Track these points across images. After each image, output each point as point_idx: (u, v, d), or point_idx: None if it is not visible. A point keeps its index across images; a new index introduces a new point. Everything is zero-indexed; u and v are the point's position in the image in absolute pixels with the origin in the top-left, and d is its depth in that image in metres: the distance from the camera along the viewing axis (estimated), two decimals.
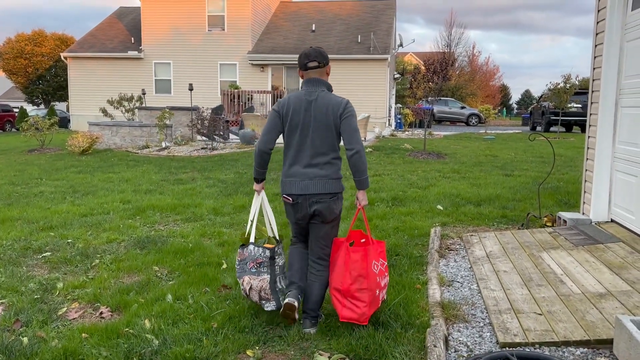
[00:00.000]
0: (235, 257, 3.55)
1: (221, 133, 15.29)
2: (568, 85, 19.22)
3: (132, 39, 25.64)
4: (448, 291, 3.73)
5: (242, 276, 3.32)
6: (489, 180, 8.63)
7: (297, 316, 3.11)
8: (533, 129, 26.73)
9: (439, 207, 6.46)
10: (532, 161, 11.68)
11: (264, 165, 3.31)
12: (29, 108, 41.26)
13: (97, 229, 5.95)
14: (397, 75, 30.02)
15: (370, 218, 5.96)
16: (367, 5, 27.48)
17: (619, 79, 4.83)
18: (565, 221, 5.15)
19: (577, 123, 23.54)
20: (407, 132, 20.96)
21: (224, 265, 4.52)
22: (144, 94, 19.04)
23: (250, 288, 3.25)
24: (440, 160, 11.88)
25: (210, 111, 15.31)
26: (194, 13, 24.22)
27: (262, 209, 3.49)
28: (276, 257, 3.28)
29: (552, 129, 24.15)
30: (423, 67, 12.44)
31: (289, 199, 3.18)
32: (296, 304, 3.09)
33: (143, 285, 4.21)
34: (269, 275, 3.25)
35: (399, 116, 24.61)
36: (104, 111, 19.09)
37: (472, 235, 5.11)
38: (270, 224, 3.51)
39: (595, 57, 5.10)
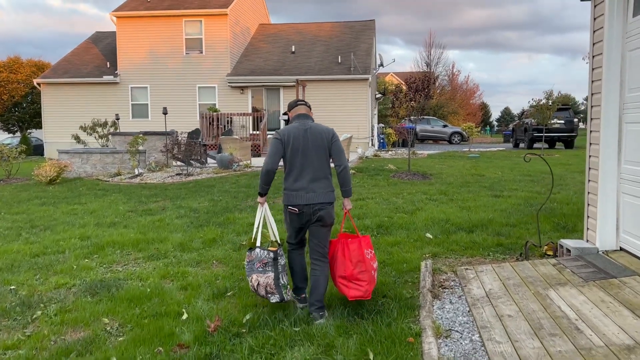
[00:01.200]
0: (245, 259, 4.12)
1: (198, 158, 14.68)
2: (550, 101, 19.06)
3: (108, 63, 25.04)
4: (446, 344, 3.15)
5: (250, 274, 3.94)
6: (479, 203, 8.13)
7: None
8: (516, 145, 26.59)
9: (429, 235, 5.92)
10: (520, 180, 11.26)
11: (270, 182, 3.94)
12: (3, 136, 40.19)
13: (46, 272, 5.28)
14: (378, 95, 29.80)
15: None
16: (346, 26, 27.35)
17: (621, 92, 4.38)
18: (568, 250, 4.64)
19: (560, 139, 23.42)
20: (390, 152, 20.55)
21: (184, 316, 3.90)
22: (117, 119, 18.37)
23: (258, 284, 3.89)
24: (425, 181, 11.40)
25: (186, 135, 14.71)
26: (171, 36, 23.77)
27: (265, 218, 4.10)
28: (279, 258, 3.92)
29: (535, 145, 24.00)
30: (404, 86, 12.03)
31: (295, 210, 3.85)
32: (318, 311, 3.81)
33: (88, 343, 3.58)
34: (273, 273, 3.87)
35: (382, 136, 24.26)
36: (77, 138, 18.35)
37: (467, 269, 4.56)
38: (273, 230, 4.13)
39: (593, 69, 4.66)
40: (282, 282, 3.90)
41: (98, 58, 26.07)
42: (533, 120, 22.68)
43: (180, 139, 14.07)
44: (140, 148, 13.77)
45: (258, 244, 4.00)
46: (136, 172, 13.43)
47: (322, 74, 22.94)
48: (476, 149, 23.11)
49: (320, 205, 3.83)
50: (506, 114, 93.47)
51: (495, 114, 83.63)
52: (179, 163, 14.09)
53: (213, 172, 13.58)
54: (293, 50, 24.98)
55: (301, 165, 3.83)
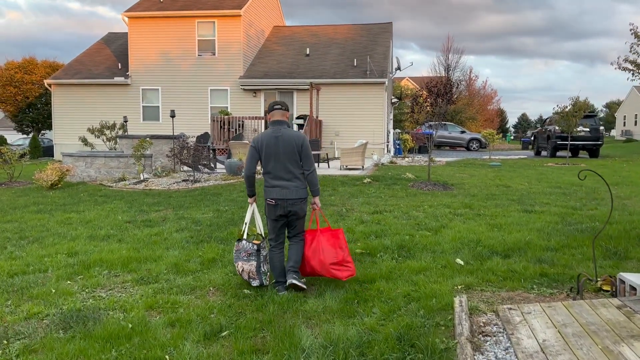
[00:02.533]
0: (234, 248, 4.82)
1: (206, 163, 14.04)
2: (576, 108, 18.12)
3: (119, 64, 24.62)
4: None
5: (237, 261, 4.65)
6: (510, 220, 7.33)
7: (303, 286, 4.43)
8: (537, 153, 25.61)
9: (459, 261, 5.14)
10: (550, 193, 10.41)
11: (252, 184, 4.67)
12: (15, 137, 40.13)
13: (21, 296, 4.62)
14: (394, 100, 29.00)
15: (373, 279, 4.65)
16: (363, 28, 26.65)
17: None
18: (633, 288, 3.85)
19: (585, 148, 22.41)
20: (407, 159, 19.76)
21: None
22: (125, 121, 17.85)
23: (243, 270, 4.62)
24: (447, 192, 10.61)
25: (194, 139, 14.08)
26: (184, 37, 23.26)
27: (254, 215, 4.84)
28: (261, 249, 4.62)
29: (558, 154, 23.03)
30: (424, 91, 11.27)
31: (272, 202, 4.51)
32: (295, 279, 4.42)
33: None
34: (255, 262, 4.57)
35: (397, 141, 23.46)
36: (84, 140, 17.87)
37: (511, 308, 3.79)
38: (258, 225, 4.90)
39: None
40: (263, 270, 4.63)
41: (110, 59, 25.68)
42: (557, 128, 21.74)
43: (188, 143, 13.45)
44: (147, 152, 13.17)
45: (245, 236, 4.76)
46: (141, 178, 12.83)
47: (337, 77, 22.24)
48: (497, 157, 22.19)
49: (293, 200, 4.50)
50: (523, 120, 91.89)
51: (511, 120, 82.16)
52: (186, 168, 13.47)
53: (221, 178, 12.92)
54: (307, 52, 24.33)
55: (274, 168, 4.48)
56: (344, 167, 14.97)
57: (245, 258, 4.61)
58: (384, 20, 26.91)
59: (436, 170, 15.20)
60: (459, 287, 4.42)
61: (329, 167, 15.70)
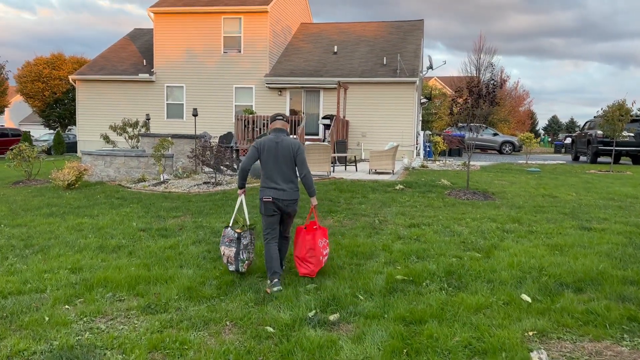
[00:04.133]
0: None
1: (229, 164, 13.40)
2: (623, 112, 16.91)
3: (144, 61, 24.26)
4: None
5: (222, 246, 5.15)
6: (569, 240, 6.43)
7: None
8: (576, 159, 24.32)
9: (525, 296, 4.30)
10: (604, 206, 9.42)
11: (244, 178, 5.19)
12: (41, 132, 40.39)
13: (9, 324, 3.98)
14: (423, 100, 28.02)
15: (421, 318, 3.84)
16: (393, 26, 25.74)
17: None
18: None
19: (629, 154, 21.09)
20: (438, 162, 18.81)
21: None
22: (148, 119, 17.36)
23: (223, 254, 5.12)
24: (488, 202, 9.71)
25: (217, 139, 13.45)
26: (209, 34, 22.74)
27: (242, 205, 5.33)
28: (242, 238, 5.06)
29: (599, 159, 21.76)
30: (465, 91, 10.39)
31: (269, 199, 4.93)
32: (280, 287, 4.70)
33: None
34: (235, 249, 5.03)
35: (428, 144, 22.50)
36: (106, 138, 17.47)
37: None
38: (245, 216, 5.41)
39: None
40: (241, 257, 4.97)
41: (135, 55, 25.35)
42: (599, 132, 20.49)
43: (210, 143, 12.84)
44: (168, 152, 12.58)
45: (231, 224, 5.27)
46: (161, 179, 12.25)
47: (365, 75, 21.42)
48: (533, 162, 21.05)
49: (288, 201, 4.91)
50: (554, 123, 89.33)
51: (541, 122, 79.82)
52: (208, 169, 12.85)
53: None
54: (335, 50, 23.56)
55: (272, 170, 4.89)
56: (373, 170, 14.16)
57: (227, 243, 5.07)
58: (412, 19, 25.98)
59: (472, 176, 14.24)
60: (530, 333, 3.60)
61: (356, 170, 14.91)
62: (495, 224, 7.50)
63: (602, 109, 17.78)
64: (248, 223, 5.35)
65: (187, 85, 23.10)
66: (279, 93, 22.11)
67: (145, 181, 12.26)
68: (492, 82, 10.14)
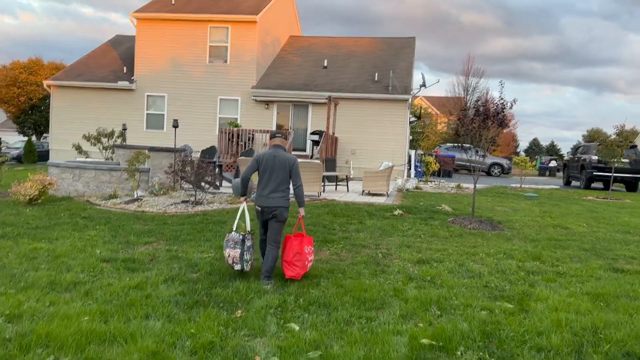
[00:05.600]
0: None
1: (211, 180, 12.33)
2: (622, 137, 16.35)
3: (125, 68, 23.09)
4: None
5: (226, 249, 5.64)
6: (607, 287, 5.49)
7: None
8: (567, 183, 23.79)
9: None
10: (624, 241, 8.59)
11: (246, 186, 5.80)
12: (15, 139, 38.73)
13: None
14: (412, 119, 27.31)
15: None
16: (384, 42, 25.09)
17: None
18: None
19: (623, 180, 20.57)
20: (430, 184, 17.97)
21: None
22: (124, 129, 16.20)
23: (229, 256, 5.60)
24: (497, 232, 8.82)
25: (199, 154, 12.39)
26: (195, 43, 21.74)
27: (244, 212, 5.81)
28: (245, 240, 5.60)
29: (593, 185, 21.21)
30: (472, 110, 9.54)
31: (259, 208, 5.58)
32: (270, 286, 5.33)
33: None
34: (240, 250, 5.56)
35: (418, 164, 21.70)
36: (78, 148, 16.27)
37: None
38: (246, 222, 5.79)
39: None
40: (245, 258, 5.58)
41: (115, 62, 24.19)
42: (594, 157, 19.96)
43: (191, 157, 11.77)
44: (143, 166, 11.47)
45: (234, 228, 5.74)
46: (135, 196, 11.11)
47: (356, 91, 20.60)
48: (527, 186, 20.37)
49: (276, 207, 5.50)
50: (535, 145, 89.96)
51: (522, 144, 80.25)
52: (187, 186, 11.75)
53: (227, 200, 11.19)
54: (325, 64, 22.75)
55: (267, 180, 5.55)
56: (366, 192, 13.22)
57: (232, 246, 5.57)
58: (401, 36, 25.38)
59: (464, 200, 13.43)
60: None
61: (348, 190, 13.95)
62: (514, 262, 6.59)
63: (598, 132, 17.19)
64: (249, 229, 5.78)
65: (169, 95, 22.00)
66: (266, 106, 21.15)
67: (116, 198, 11.11)
68: (501, 101, 9.34)
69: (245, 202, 5.83)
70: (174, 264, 6.10)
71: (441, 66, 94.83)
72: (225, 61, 21.60)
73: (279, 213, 5.49)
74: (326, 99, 18.54)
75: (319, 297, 4.87)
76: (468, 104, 47.16)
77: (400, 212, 10.08)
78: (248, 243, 5.59)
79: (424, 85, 20.70)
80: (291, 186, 5.61)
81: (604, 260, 6.88)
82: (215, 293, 4.98)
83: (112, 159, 15.68)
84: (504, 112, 9.44)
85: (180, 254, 6.59)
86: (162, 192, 11.53)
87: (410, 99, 20.58)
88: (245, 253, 5.54)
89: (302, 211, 5.65)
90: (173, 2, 22.92)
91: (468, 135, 9.60)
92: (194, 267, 5.98)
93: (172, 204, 10.45)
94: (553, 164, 40.05)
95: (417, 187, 15.61)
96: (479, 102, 9.61)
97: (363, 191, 13.24)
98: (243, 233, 5.62)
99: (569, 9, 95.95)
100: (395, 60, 22.77)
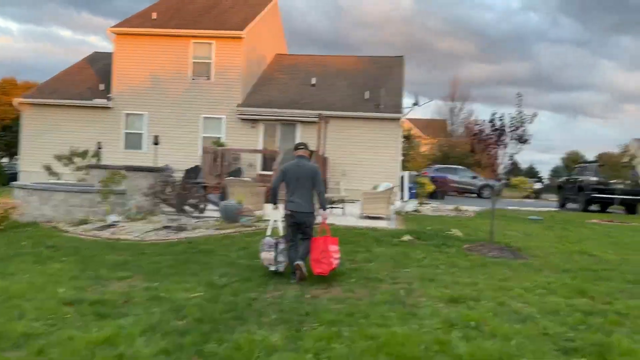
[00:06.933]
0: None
1: (195, 203, 11.16)
2: (629, 157, 15.72)
3: (102, 85, 21.85)
4: None
5: (262, 252, 6.37)
6: None
7: (304, 272, 6.03)
8: (562, 206, 23.11)
9: None
10: None
11: (275, 196, 6.42)
12: None
13: None
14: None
15: None
16: (373, 61, 24.41)
17: None
18: None
19: (624, 202, 19.91)
20: (428, 206, 17.01)
21: None
22: (99, 148, 14.99)
23: (264, 259, 6.32)
24: (522, 261, 7.84)
25: (182, 174, 11.23)
26: (176, 59, 20.69)
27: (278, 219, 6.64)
28: (279, 244, 6.31)
29: (589, 208, 20.52)
30: (487, 125, 8.64)
31: (289, 212, 6.19)
32: (301, 263, 6.02)
33: None
34: (274, 253, 6.27)
35: (411, 185, 20.79)
36: (49, 169, 14.87)
37: None
38: (280, 228, 6.69)
39: None
40: (279, 260, 6.27)
41: (92, 79, 22.94)
42: (593, 178, 19.32)
43: (173, 177, 10.61)
44: (119, 187, 10.26)
45: (269, 233, 6.58)
46: (109, 221, 9.88)
47: (346, 110, 19.73)
48: (511, 207, 19.59)
49: (305, 214, 6.17)
50: (515, 168, 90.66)
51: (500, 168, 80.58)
52: (169, 210, 10.55)
53: (214, 225, 10.02)
54: (313, 82, 21.88)
55: (294, 188, 6.17)
56: (365, 215, 12.18)
57: (267, 249, 6.30)
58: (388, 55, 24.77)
59: (472, 224, 12.50)
60: None
61: (343, 213, 12.86)
62: (560, 299, 5.58)
63: (598, 153, 16.57)
64: (282, 233, 6.53)
65: (149, 113, 20.81)
66: (252, 125, 20.11)
67: (88, 223, 9.86)
68: (520, 115, 8.46)
69: (279, 208, 6.49)
70: (154, 307, 4.93)
71: (421, 90, 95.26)
72: (209, 78, 20.59)
73: (307, 220, 6.18)
74: (316, 117, 17.59)
75: (346, 356, 3.76)
76: (453, 126, 46.98)
77: (409, 237, 9.05)
78: (281, 247, 6.29)
79: (416, 104, 20.02)
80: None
81: None
82: (209, 351, 3.84)
83: (85, 181, 14.38)
84: (523, 126, 8.56)
85: (162, 293, 5.42)
86: (140, 217, 10.31)
87: (402, 118, 19.79)
88: (278, 255, 6.26)
89: (324, 214, 6.35)
90: (154, 17, 21.92)
91: (484, 153, 8.67)
92: (179, 311, 4.82)
93: (151, 230, 9.24)
94: (538, 185, 39.71)
95: (416, 210, 14.63)
96: (495, 116, 8.71)
97: (362, 214, 12.20)
98: (277, 238, 6.43)
99: (542, 36, 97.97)
100: (386, 79, 22.03)
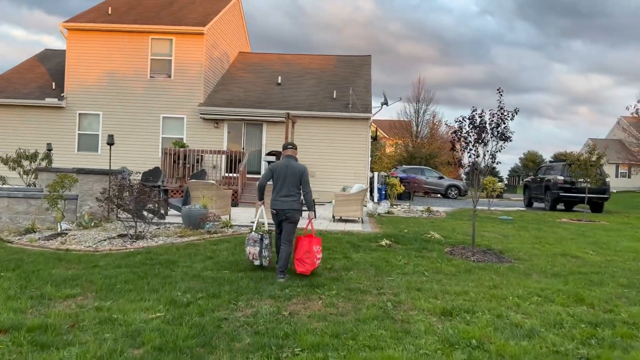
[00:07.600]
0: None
1: (154, 208, 10.31)
2: (595, 156, 15.73)
3: (54, 84, 20.57)
4: None
5: (247, 247, 6.53)
6: None
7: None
8: (529, 205, 23.21)
9: None
10: None
11: (262, 192, 6.50)
12: None
13: None
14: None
15: None
16: (341, 60, 23.94)
17: None
18: None
19: (590, 200, 20.06)
20: (399, 207, 16.60)
21: None
22: (49, 149, 13.88)
23: (249, 253, 6.49)
24: (508, 265, 7.43)
25: (140, 177, 10.38)
26: (134, 56, 19.63)
27: (262, 213, 6.68)
28: (263, 239, 6.48)
29: (557, 207, 20.62)
30: (466, 122, 8.20)
31: (274, 211, 6.32)
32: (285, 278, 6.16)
33: None
34: (259, 247, 6.45)
35: (380, 186, 20.38)
36: None
37: None
38: (266, 223, 6.72)
39: None
40: (264, 255, 6.46)
41: (43, 78, 21.58)
42: (559, 177, 19.38)
43: (130, 180, 9.74)
44: (70, 192, 9.33)
45: (254, 228, 6.61)
46: (59, 229, 8.95)
47: (314, 109, 19.13)
48: (494, 208, 19.48)
49: (289, 210, 6.22)
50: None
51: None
52: (126, 216, 9.68)
53: (175, 232, 9.23)
54: (279, 81, 21.22)
55: (280, 186, 6.27)
56: (337, 218, 11.61)
57: (252, 244, 6.47)
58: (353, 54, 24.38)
59: (446, 225, 12.13)
60: None
61: (315, 217, 12.26)
62: (559, 308, 5.14)
63: (566, 151, 16.56)
64: (267, 229, 6.61)
65: (105, 113, 19.66)
66: (216, 125, 19.26)
67: (35, 232, 8.89)
68: (501, 112, 8.06)
69: (263, 206, 6.57)
70: (106, 333, 4.18)
71: (380, 92, 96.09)
72: (169, 76, 19.62)
73: (291, 215, 6.22)
74: (284, 116, 16.94)
75: None
76: (418, 129, 47.02)
77: (387, 242, 8.52)
78: (266, 241, 6.47)
79: (385, 103, 19.55)
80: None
81: None
82: None
83: (35, 185, 13.28)
84: (504, 123, 8.16)
85: (116, 315, 4.67)
86: (93, 224, 9.40)
87: (371, 118, 19.36)
88: (263, 250, 6.44)
89: (310, 214, 6.70)
90: (110, 12, 20.78)
91: (465, 150, 8.22)
92: (135, 337, 4.10)
93: (105, 239, 8.37)
94: (499, 184, 40.14)
95: (389, 212, 14.16)
96: (475, 113, 8.28)
97: (334, 217, 11.62)
98: (261, 232, 6.50)
99: (499, 39, 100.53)
100: (354, 78, 21.59)
